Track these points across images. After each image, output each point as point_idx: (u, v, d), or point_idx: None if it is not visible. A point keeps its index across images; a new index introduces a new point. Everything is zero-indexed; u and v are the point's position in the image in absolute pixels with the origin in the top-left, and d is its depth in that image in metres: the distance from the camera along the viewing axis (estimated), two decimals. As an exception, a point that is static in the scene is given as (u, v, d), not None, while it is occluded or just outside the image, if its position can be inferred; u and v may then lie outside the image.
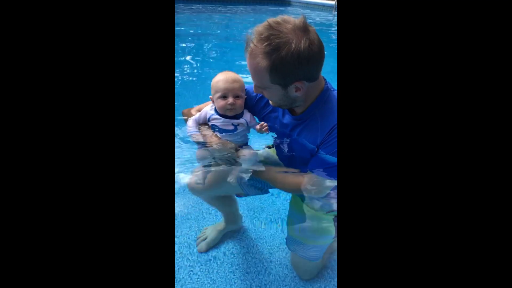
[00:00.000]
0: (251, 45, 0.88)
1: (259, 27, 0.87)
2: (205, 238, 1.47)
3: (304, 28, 0.85)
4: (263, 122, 1.13)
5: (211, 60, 4.36)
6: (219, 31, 6.11)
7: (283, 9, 9.80)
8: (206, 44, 5.08)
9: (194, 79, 3.59)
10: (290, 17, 0.88)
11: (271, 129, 1.15)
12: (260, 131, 1.12)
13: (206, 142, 1.11)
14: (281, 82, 0.91)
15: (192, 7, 8.49)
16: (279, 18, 0.87)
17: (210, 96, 1.16)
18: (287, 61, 0.85)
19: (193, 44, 4.84)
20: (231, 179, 1.11)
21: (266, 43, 0.84)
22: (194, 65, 3.97)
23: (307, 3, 10.12)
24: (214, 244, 1.47)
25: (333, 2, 9.33)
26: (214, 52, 4.65)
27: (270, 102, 1.08)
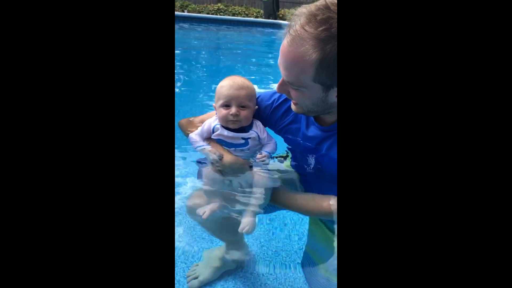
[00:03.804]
0: (297, 27, 0.66)
1: (311, 7, 0.65)
2: (197, 277, 1.20)
3: None
4: (265, 154, 0.93)
5: (203, 73, 4.19)
6: (206, 55, 5.86)
7: (272, 30, 9.90)
8: (195, 62, 4.92)
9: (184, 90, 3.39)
10: None
11: (291, 143, 0.95)
12: (260, 159, 0.92)
13: (220, 158, 0.89)
14: (327, 81, 0.69)
15: (184, 25, 8.37)
16: None
17: (214, 104, 0.96)
18: None
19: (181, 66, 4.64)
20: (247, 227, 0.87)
21: (322, 27, 0.63)
22: (182, 85, 3.76)
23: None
24: (208, 282, 1.21)
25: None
26: (204, 72, 4.47)
27: (293, 107, 0.84)
